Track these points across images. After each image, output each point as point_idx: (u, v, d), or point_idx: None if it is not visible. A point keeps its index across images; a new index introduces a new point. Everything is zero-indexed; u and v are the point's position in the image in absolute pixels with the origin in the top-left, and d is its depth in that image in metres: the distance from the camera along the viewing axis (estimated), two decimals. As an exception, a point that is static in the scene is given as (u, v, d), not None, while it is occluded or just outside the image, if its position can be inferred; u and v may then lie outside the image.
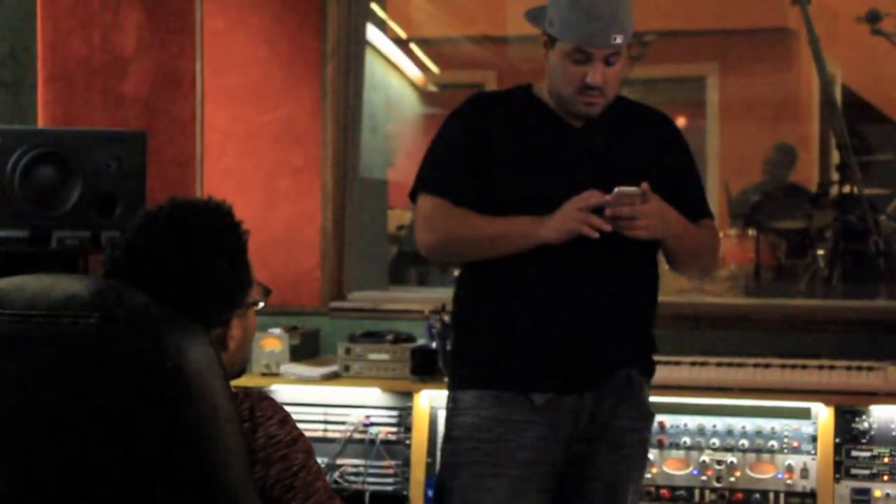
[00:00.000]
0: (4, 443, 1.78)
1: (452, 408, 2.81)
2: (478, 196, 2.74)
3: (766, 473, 3.44)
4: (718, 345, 3.82)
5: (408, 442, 3.59)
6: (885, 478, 3.38)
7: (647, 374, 2.85)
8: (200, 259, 1.89)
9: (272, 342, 3.82)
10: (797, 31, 6.52)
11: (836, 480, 3.39)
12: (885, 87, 6.71)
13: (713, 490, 3.45)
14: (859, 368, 3.51)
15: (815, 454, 3.41)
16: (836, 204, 5.59)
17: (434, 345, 3.69)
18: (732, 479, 3.44)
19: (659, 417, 3.35)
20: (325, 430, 3.63)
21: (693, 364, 3.59)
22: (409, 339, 3.86)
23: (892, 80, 6.49)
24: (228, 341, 1.96)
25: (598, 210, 2.61)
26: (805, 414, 3.45)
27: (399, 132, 6.85)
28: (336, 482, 3.58)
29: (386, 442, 3.61)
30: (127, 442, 1.70)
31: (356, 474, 3.61)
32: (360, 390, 3.68)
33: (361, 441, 3.61)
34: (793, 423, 3.45)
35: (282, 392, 3.68)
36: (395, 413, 3.63)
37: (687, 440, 3.48)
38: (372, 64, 5.18)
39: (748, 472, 3.44)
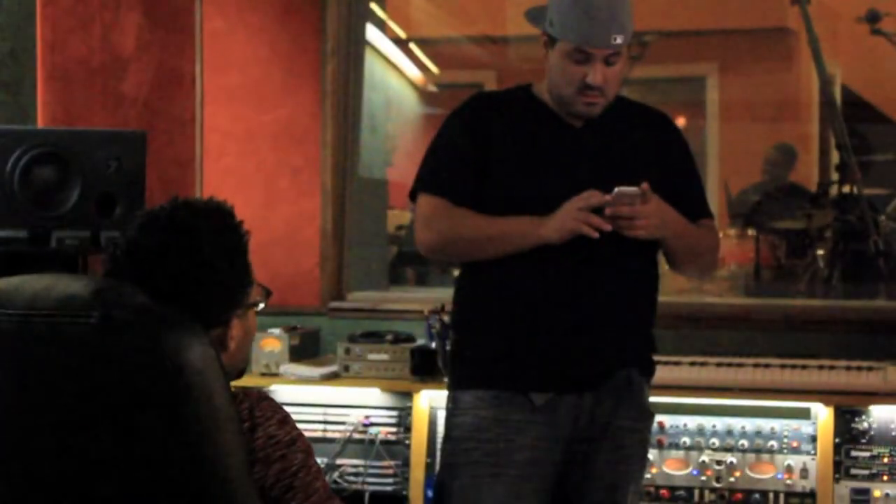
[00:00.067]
0: (4, 443, 1.78)
1: (452, 408, 2.81)
2: (478, 196, 2.74)
3: (765, 473, 3.43)
4: (718, 345, 3.83)
5: (407, 442, 3.59)
6: (885, 478, 3.38)
7: (647, 374, 2.85)
8: (201, 259, 1.89)
9: (272, 342, 3.82)
10: (797, 31, 6.51)
11: (836, 480, 3.39)
12: (884, 87, 6.70)
13: (713, 490, 3.45)
14: (859, 368, 3.51)
15: (815, 454, 3.41)
16: (835, 204, 5.58)
17: (433, 345, 3.69)
18: (732, 479, 3.44)
19: (659, 417, 3.35)
20: (325, 431, 3.63)
21: (693, 364, 3.59)
22: (409, 339, 3.86)
23: (892, 80, 6.49)
24: (228, 341, 1.96)
25: (598, 210, 2.61)
26: (805, 414, 3.45)
27: (399, 132, 6.84)
28: (336, 482, 3.58)
29: (385, 442, 3.61)
30: (127, 442, 1.70)
31: (356, 474, 3.61)
32: (359, 390, 3.68)
33: (361, 441, 3.61)
34: (792, 424, 3.45)
35: (281, 392, 3.68)
36: (394, 413, 3.63)
37: (687, 440, 3.48)
38: (372, 64, 5.17)
39: (748, 472, 3.44)
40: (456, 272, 3.00)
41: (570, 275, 2.70)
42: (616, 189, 2.59)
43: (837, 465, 3.40)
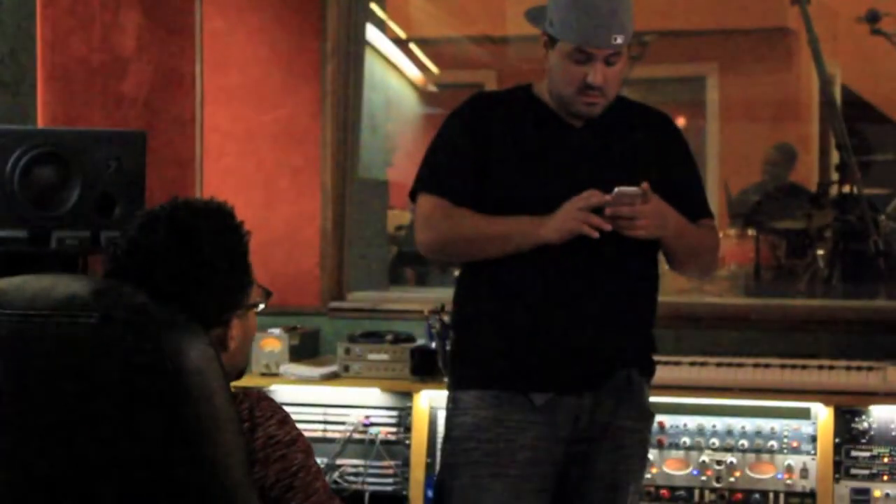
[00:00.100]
0: (4, 443, 1.78)
1: (452, 408, 2.81)
2: (478, 196, 2.74)
3: (765, 473, 3.43)
4: (718, 345, 3.83)
5: (407, 442, 3.59)
6: (885, 478, 3.38)
7: (647, 374, 2.85)
8: (201, 258, 1.89)
9: (272, 342, 3.82)
10: (797, 30, 6.51)
11: (836, 480, 3.39)
12: (884, 86, 6.70)
13: (713, 490, 3.45)
14: (859, 368, 3.51)
15: (815, 454, 3.41)
16: (835, 204, 5.58)
17: (433, 345, 3.69)
18: (732, 479, 3.45)
19: (659, 417, 3.35)
20: (325, 431, 3.63)
21: (693, 364, 3.59)
22: (409, 339, 3.86)
23: (892, 80, 6.48)
24: (228, 342, 1.96)
25: (598, 210, 2.61)
26: (805, 414, 3.45)
27: (399, 132, 6.84)
28: (336, 482, 3.58)
29: (385, 442, 3.61)
30: (127, 442, 1.70)
31: (356, 474, 3.61)
32: (359, 390, 3.68)
33: (361, 441, 3.61)
34: (792, 424, 3.45)
35: (281, 392, 3.68)
36: (394, 413, 3.63)
37: (687, 440, 3.48)
38: (371, 64, 5.17)
39: (748, 472, 3.44)
40: (456, 272, 3.00)
41: (570, 275, 2.70)
42: (616, 189, 2.59)
43: (837, 465, 3.40)
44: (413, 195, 2.84)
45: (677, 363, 3.57)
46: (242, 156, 4.27)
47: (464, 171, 2.75)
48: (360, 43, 4.43)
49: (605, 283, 2.72)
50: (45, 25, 3.97)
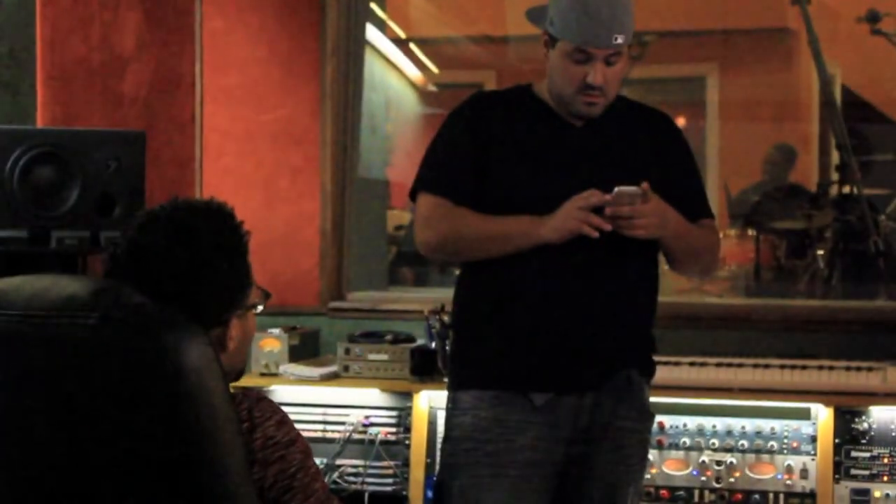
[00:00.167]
0: (3, 444, 1.77)
1: (452, 408, 2.81)
2: (478, 195, 2.73)
3: (765, 474, 3.43)
4: (718, 345, 3.82)
5: (407, 442, 3.59)
6: (885, 478, 3.37)
7: (647, 375, 2.85)
8: (201, 258, 1.89)
9: (271, 342, 3.81)
10: (797, 31, 6.52)
11: (836, 481, 3.39)
12: (884, 87, 6.70)
13: (713, 490, 3.45)
14: (859, 369, 3.51)
15: (815, 455, 3.41)
16: (835, 204, 5.58)
17: (433, 345, 3.68)
18: (732, 479, 3.44)
19: (658, 418, 3.35)
20: (325, 431, 3.63)
21: (693, 364, 3.59)
22: (409, 339, 3.86)
23: (892, 80, 6.49)
24: (227, 342, 1.96)
25: (598, 209, 2.61)
26: (805, 414, 3.45)
27: (398, 132, 6.85)
28: (335, 482, 3.57)
29: (385, 442, 3.61)
30: (126, 442, 1.70)
31: (355, 475, 3.60)
32: (359, 391, 3.67)
33: (361, 441, 3.61)
34: (792, 424, 3.45)
35: (281, 392, 3.67)
36: (394, 413, 3.63)
37: (686, 440, 3.48)
38: (371, 64, 5.17)
39: (748, 472, 3.44)
40: (456, 272, 3.00)
41: (570, 275, 2.70)
42: (616, 188, 2.59)
43: (837, 466, 3.39)
44: (413, 194, 2.84)
45: (677, 363, 3.56)
46: (242, 156, 4.27)
47: (464, 171, 2.75)
48: (360, 43, 4.43)
49: (605, 283, 2.72)
50: (45, 25, 3.97)
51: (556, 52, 2.70)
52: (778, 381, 3.52)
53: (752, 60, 7.26)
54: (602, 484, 2.78)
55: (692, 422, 3.50)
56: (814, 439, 3.42)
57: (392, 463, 3.59)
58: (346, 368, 3.78)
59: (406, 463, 3.58)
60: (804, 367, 3.55)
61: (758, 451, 3.45)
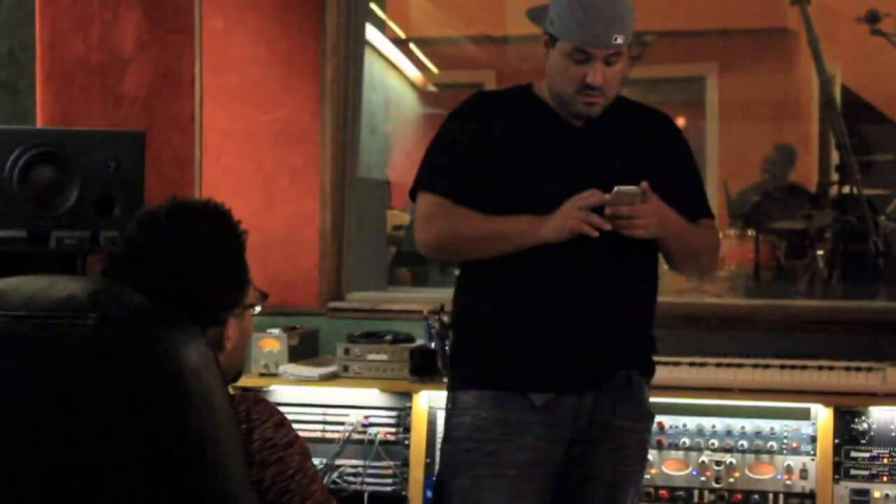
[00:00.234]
0: (3, 444, 1.77)
1: (452, 408, 2.81)
2: (478, 195, 2.73)
3: (765, 474, 3.43)
4: (718, 345, 3.82)
5: (407, 442, 3.59)
6: (885, 479, 3.37)
7: (646, 375, 2.85)
8: (199, 257, 1.89)
9: (271, 342, 3.81)
10: (797, 31, 6.52)
11: (836, 481, 3.38)
12: (884, 87, 6.70)
13: (712, 491, 3.44)
14: (858, 369, 3.51)
15: (815, 455, 3.41)
16: (835, 204, 5.59)
17: (433, 345, 3.68)
18: (732, 479, 3.44)
19: (658, 418, 3.35)
20: (324, 431, 3.63)
21: (692, 364, 3.58)
22: (408, 339, 3.85)
23: (892, 80, 6.49)
24: (225, 341, 1.96)
25: (598, 209, 2.61)
26: (804, 415, 3.45)
27: (398, 132, 6.85)
28: (335, 483, 3.57)
29: (385, 442, 3.61)
30: (125, 443, 1.69)
31: (355, 475, 3.60)
32: (358, 391, 3.67)
33: (360, 441, 3.61)
34: (792, 424, 3.45)
35: (280, 392, 3.67)
36: (393, 413, 3.63)
37: (686, 441, 3.48)
38: (371, 64, 5.17)
39: (747, 472, 3.44)
40: (456, 272, 3.00)
41: (569, 275, 2.70)
42: (616, 188, 2.59)
43: (837, 466, 3.39)
44: (413, 194, 2.84)
45: (677, 364, 3.56)
46: (242, 156, 4.27)
47: (464, 171, 2.75)
48: (360, 43, 4.43)
49: (604, 283, 2.72)
50: (45, 25, 3.97)
51: (556, 51, 2.70)
52: (777, 381, 3.52)
53: (751, 60, 7.26)
54: (602, 484, 2.77)
55: (692, 422, 3.50)
56: (813, 439, 3.42)
57: (391, 463, 3.59)
58: (346, 368, 3.78)
59: (405, 463, 3.58)
60: (804, 368, 3.55)
61: (757, 452, 3.45)
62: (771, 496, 3.41)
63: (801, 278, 5.54)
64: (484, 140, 2.75)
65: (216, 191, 4.03)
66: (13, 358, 1.76)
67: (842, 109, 5.90)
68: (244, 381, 3.63)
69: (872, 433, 3.40)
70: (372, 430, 3.61)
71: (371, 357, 3.78)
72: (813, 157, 7.04)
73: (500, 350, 2.74)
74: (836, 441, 3.40)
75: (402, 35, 6.96)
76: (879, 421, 3.40)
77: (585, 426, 2.74)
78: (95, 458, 1.71)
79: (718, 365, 3.58)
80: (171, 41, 4.16)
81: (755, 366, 3.57)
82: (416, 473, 3.56)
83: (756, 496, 3.42)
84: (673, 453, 3.49)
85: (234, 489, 1.76)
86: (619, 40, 2.64)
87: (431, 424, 3.57)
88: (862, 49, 6.21)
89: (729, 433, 3.47)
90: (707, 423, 3.49)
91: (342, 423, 3.63)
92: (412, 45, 7.20)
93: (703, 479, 3.46)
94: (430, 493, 3.46)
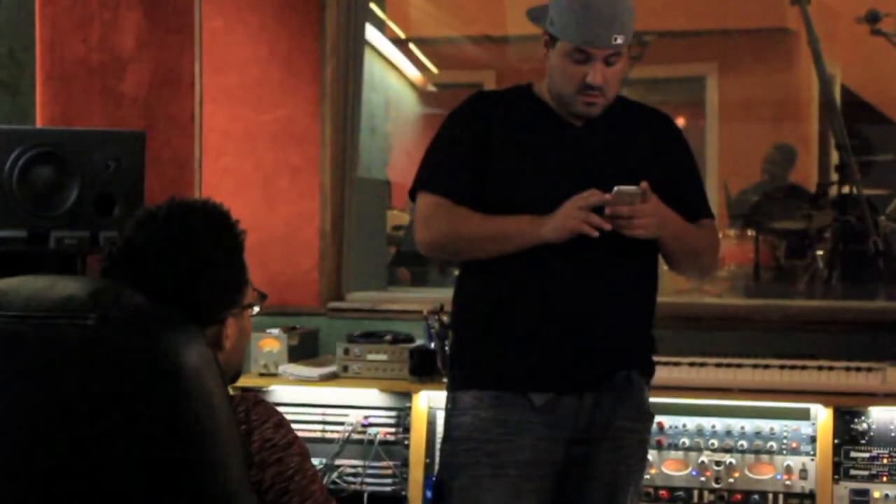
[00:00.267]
0: (3, 444, 1.77)
1: (451, 408, 2.81)
2: (478, 195, 2.73)
3: (764, 474, 3.43)
4: (718, 345, 3.82)
5: (406, 442, 3.59)
6: (884, 479, 3.37)
7: (646, 375, 2.85)
8: (198, 255, 1.90)
9: (270, 342, 3.81)
10: (797, 31, 6.52)
11: (835, 481, 3.38)
12: (884, 87, 6.70)
13: (712, 491, 3.44)
14: (858, 369, 3.51)
15: (814, 455, 3.41)
16: (835, 204, 5.59)
17: (433, 345, 3.68)
18: (731, 479, 3.44)
19: (658, 418, 3.35)
20: (324, 431, 3.63)
21: (692, 365, 3.58)
22: (408, 339, 3.85)
23: (892, 81, 6.49)
24: (223, 341, 1.96)
25: (598, 209, 2.61)
26: (804, 415, 3.45)
27: (398, 132, 6.85)
28: (334, 483, 3.57)
29: (384, 442, 3.61)
30: (125, 443, 1.69)
31: (354, 475, 3.60)
32: (358, 391, 3.67)
33: (360, 442, 3.61)
34: (792, 424, 3.45)
35: (280, 392, 3.67)
36: (393, 413, 3.63)
37: (686, 441, 3.48)
38: (371, 64, 5.17)
39: (747, 472, 3.44)
40: (455, 272, 3.00)
41: (569, 275, 2.70)
42: (615, 188, 2.59)
43: (837, 466, 3.39)
44: (413, 194, 2.83)
45: (677, 364, 3.56)
46: (241, 156, 4.27)
47: (464, 170, 2.75)
48: (360, 43, 4.42)
49: (604, 284, 2.72)
50: (44, 25, 3.97)
51: (555, 51, 2.70)
52: (777, 381, 3.52)
53: (751, 60, 7.26)
54: (602, 484, 2.77)
55: (692, 422, 3.50)
56: (813, 440, 3.42)
57: (391, 463, 3.59)
58: (346, 369, 3.78)
59: (405, 463, 3.58)
60: (804, 368, 3.55)
61: (757, 452, 3.45)
62: (770, 496, 3.41)
63: (801, 278, 5.55)
64: (484, 140, 2.75)
65: (216, 191, 4.03)
66: (13, 358, 1.76)
67: (841, 109, 5.90)
68: (244, 381, 3.63)
69: (872, 433, 3.40)
70: (372, 430, 3.61)
71: (371, 357, 3.78)
72: (813, 158, 7.04)
73: (500, 350, 2.74)
74: (836, 441, 3.40)
75: (402, 35, 6.96)
76: (879, 421, 3.40)
77: (585, 426, 2.74)
78: (95, 458, 1.71)
79: (718, 365, 3.58)
80: (171, 41, 4.16)
81: (755, 366, 3.57)
82: (416, 473, 3.56)
83: (756, 496, 3.42)
84: (673, 453, 3.49)
85: (234, 489, 1.76)
86: (619, 40, 2.64)
87: (431, 424, 3.57)
88: (862, 49, 6.21)
89: (729, 433, 3.47)
90: (707, 423, 3.49)
91: (342, 424, 3.63)
92: (412, 45, 7.20)
93: (702, 479, 3.46)
94: (429, 494, 3.46)
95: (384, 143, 5.87)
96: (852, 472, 3.39)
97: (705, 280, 4.50)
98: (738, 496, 3.43)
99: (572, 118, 2.77)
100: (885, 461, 3.38)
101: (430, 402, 3.58)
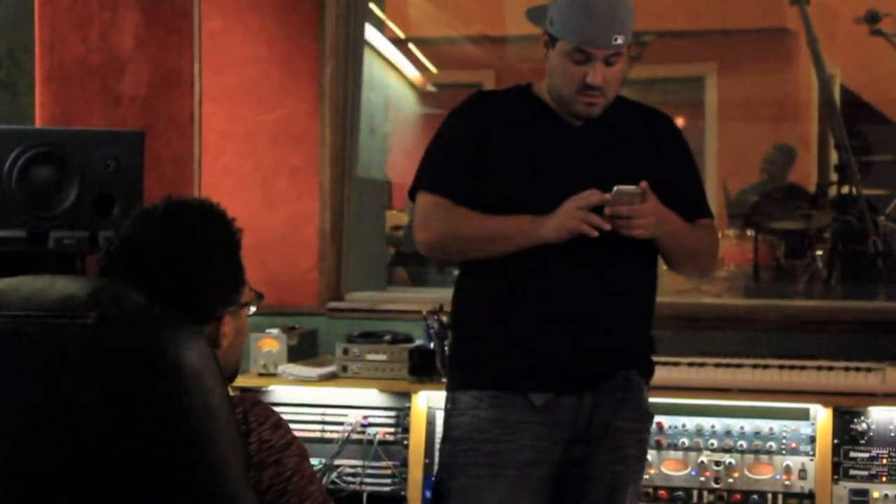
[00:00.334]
0: (2, 444, 1.77)
1: (451, 408, 2.81)
2: (477, 195, 2.73)
3: (764, 474, 3.43)
4: (717, 345, 3.82)
5: (406, 442, 3.59)
6: (884, 479, 3.37)
7: (646, 375, 2.85)
8: (196, 252, 1.90)
9: (270, 342, 3.81)
10: (796, 31, 6.51)
11: (835, 481, 3.39)
12: (883, 87, 6.70)
13: (711, 491, 3.44)
14: (858, 369, 3.51)
15: (814, 455, 3.41)
16: (834, 204, 5.58)
17: (432, 345, 3.68)
18: (731, 479, 3.44)
19: (657, 418, 3.35)
20: (323, 431, 3.63)
21: (692, 365, 3.59)
22: (407, 339, 3.85)
23: (891, 81, 6.49)
24: (221, 339, 1.96)
25: (597, 209, 2.61)
26: (803, 415, 3.45)
27: (397, 132, 6.84)
28: (334, 483, 3.57)
29: (384, 442, 3.61)
30: (125, 442, 1.69)
31: (354, 475, 3.60)
32: (357, 391, 3.67)
33: (359, 442, 3.61)
34: (791, 424, 3.45)
35: (279, 392, 3.67)
36: (392, 413, 3.63)
37: (685, 441, 3.48)
38: (370, 64, 5.17)
39: (746, 472, 3.44)
40: (455, 272, 3.00)
41: (569, 275, 2.70)
42: (615, 188, 2.59)
43: (836, 466, 3.39)
44: (412, 194, 2.83)
45: (676, 364, 3.56)
46: (241, 156, 4.26)
47: (463, 170, 2.75)
48: (359, 43, 4.42)
49: (604, 284, 2.72)
50: (44, 25, 3.96)
51: (555, 52, 2.70)
52: (777, 381, 3.52)
53: (751, 60, 7.26)
54: (601, 484, 2.77)
55: (691, 422, 3.50)
56: (812, 440, 3.42)
57: (390, 463, 3.59)
58: (345, 369, 3.78)
59: (404, 463, 3.58)
60: (803, 368, 3.55)
61: (756, 452, 3.45)
62: (770, 496, 3.41)
63: (801, 278, 5.54)
64: (483, 140, 2.75)
65: (215, 191, 4.02)
66: (13, 357, 1.76)
67: (841, 109, 5.89)
68: (244, 381, 3.63)
69: (871, 433, 3.40)
70: (371, 430, 3.61)
71: (370, 357, 3.78)
72: (812, 158, 7.04)
73: (500, 350, 2.74)
74: (835, 441, 3.40)
75: (402, 35, 6.96)
76: (878, 421, 3.41)
77: (585, 426, 2.74)
78: (95, 457, 1.71)
79: (717, 365, 3.58)
80: (171, 41, 4.16)
81: (754, 366, 3.57)
82: (415, 474, 3.56)
83: (755, 496, 3.42)
84: (672, 453, 3.49)
85: (234, 489, 1.76)
86: (620, 40, 2.64)
87: (430, 424, 3.57)
88: (861, 49, 6.21)
89: (728, 433, 3.47)
90: (706, 423, 3.49)
91: (341, 424, 3.63)
92: (411, 45, 7.20)
93: (702, 479, 3.46)
94: (428, 494, 3.46)
95: (383, 143, 5.86)
96: (852, 472, 3.39)
97: (705, 280, 4.50)
98: (738, 496, 3.43)
99: (572, 118, 2.77)
100: (884, 461, 3.38)
101: (430, 402, 3.58)
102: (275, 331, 3.85)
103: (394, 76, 6.93)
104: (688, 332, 3.91)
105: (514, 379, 2.73)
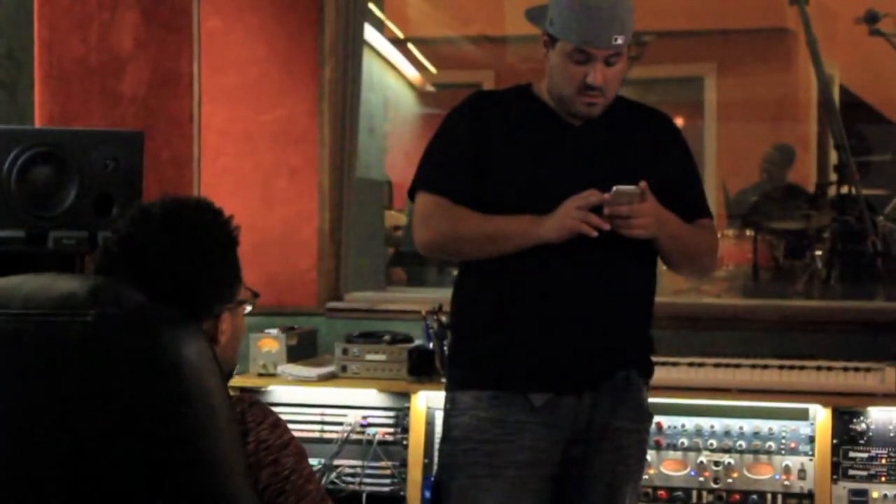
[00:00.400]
0: (2, 443, 1.77)
1: (450, 408, 2.81)
2: (477, 195, 2.73)
3: (763, 474, 3.43)
4: (716, 345, 3.82)
5: (405, 443, 3.59)
6: (883, 479, 3.37)
7: (645, 375, 2.85)
8: (194, 249, 1.91)
9: (269, 342, 3.81)
10: (795, 31, 6.52)
11: (834, 481, 3.39)
12: (883, 87, 6.71)
13: (711, 491, 3.44)
14: (857, 369, 3.51)
15: (813, 455, 3.41)
16: (834, 204, 5.58)
17: (431, 345, 3.68)
18: (730, 480, 3.44)
19: (657, 418, 3.34)
20: (322, 431, 3.63)
21: (691, 365, 3.59)
22: (407, 339, 3.85)
23: (891, 81, 6.49)
24: (219, 335, 1.96)
25: (597, 209, 2.61)
26: (803, 415, 3.45)
27: (397, 132, 6.85)
28: (333, 483, 3.57)
29: (383, 443, 3.61)
30: (125, 440, 1.69)
31: (353, 475, 3.60)
32: (357, 391, 3.67)
33: (359, 442, 3.61)
34: (790, 424, 3.45)
35: (279, 393, 3.67)
36: (392, 414, 3.63)
37: (685, 441, 3.48)
38: (370, 64, 5.18)
39: (746, 473, 3.44)
40: (454, 272, 3.00)
41: (569, 275, 2.70)
42: (614, 188, 2.59)
43: (835, 466, 3.39)
44: (412, 193, 2.83)
45: (675, 364, 3.56)
46: (240, 156, 4.26)
47: (463, 170, 2.75)
48: (358, 43, 4.42)
49: (604, 284, 2.72)
50: (43, 25, 3.96)
51: (555, 52, 2.70)
52: (776, 381, 3.52)
53: (750, 61, 7.26)
54: (601, 484, 2.77)
55: (690, 422, 3.50)
56: (812, 440, 3.42)
57: (390, 463, 3.59)
58: (344, 369, 3.78)
59: (404, 463, 3.58)
60: (802, 368, 3.55)
61: (756, 452, 3.45)
62: (769, 496, 3.41)
63: (800, 278, 5.54)
64: (483, 140, 2.75)
65: (215, 191, 4.03)
66: (13, 356, 1.76)
67: (840, 110, 5.89)
68: (243, 382, 3.63)
69: (871, 433, 3.40)
70: (370, 430, 3.61)
71: (369, 357, 3.78)
72: (811, 158, 7.05)
73: (499, 350, 2.73)
74: (835, 441, 3.40)
75: (401, 35, 6.96)
76: (878, 421, 3.41)
77: (584, 426, 2.74)
78: (95, 456, 1.71)
79: (717, 365, 3.58)
80: (170, 41, 4.16)
81: (753, 366, 3.57)
82: (415, 474, 3.56)
83: (754, 496, 3.42)
84: (671, 454, 3.49)
85: (235, 488, 1.76)
86: (619, 41, 2.64)
87: (430, 425, 3.57)
88: (860, 49, 6.21)
89: (727, 433, 3.47)
90: (705, 423, 3.49)
91: (340, 424, 3.63)
92: (410, 46, 7.21)
93: (701, 479, 3.46)
94: (428, 494, 3.46)
95: (383, 143, 5.87)
96: (851, 472, 3.39)
97: (704, 280, 4.50)
98: (737, 496, 3.43)
99: (572, 118, 2.77)
100: (883, 461, 3.38)
101: (429, 402, 3.58)
102: (274, 331, 3.85)
103: (393, 76, 6.94)
104: (687, 332, 3.91)
105: (514, 379, 2.72)
